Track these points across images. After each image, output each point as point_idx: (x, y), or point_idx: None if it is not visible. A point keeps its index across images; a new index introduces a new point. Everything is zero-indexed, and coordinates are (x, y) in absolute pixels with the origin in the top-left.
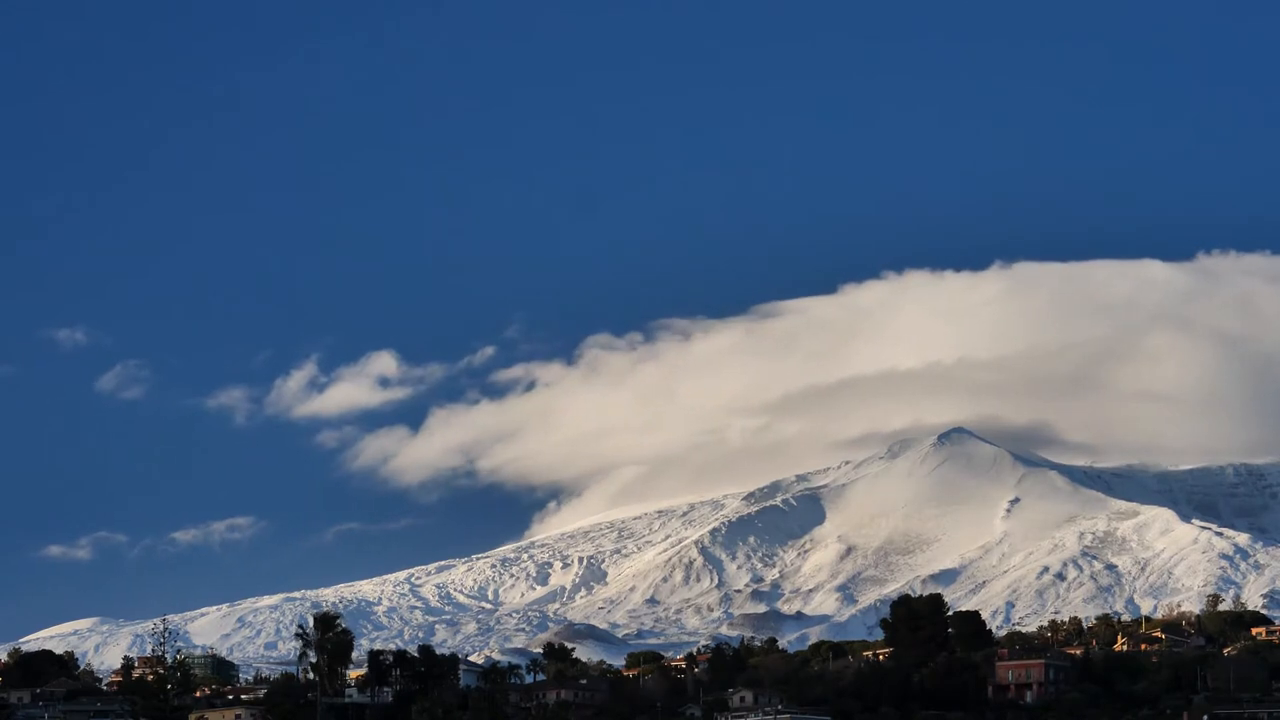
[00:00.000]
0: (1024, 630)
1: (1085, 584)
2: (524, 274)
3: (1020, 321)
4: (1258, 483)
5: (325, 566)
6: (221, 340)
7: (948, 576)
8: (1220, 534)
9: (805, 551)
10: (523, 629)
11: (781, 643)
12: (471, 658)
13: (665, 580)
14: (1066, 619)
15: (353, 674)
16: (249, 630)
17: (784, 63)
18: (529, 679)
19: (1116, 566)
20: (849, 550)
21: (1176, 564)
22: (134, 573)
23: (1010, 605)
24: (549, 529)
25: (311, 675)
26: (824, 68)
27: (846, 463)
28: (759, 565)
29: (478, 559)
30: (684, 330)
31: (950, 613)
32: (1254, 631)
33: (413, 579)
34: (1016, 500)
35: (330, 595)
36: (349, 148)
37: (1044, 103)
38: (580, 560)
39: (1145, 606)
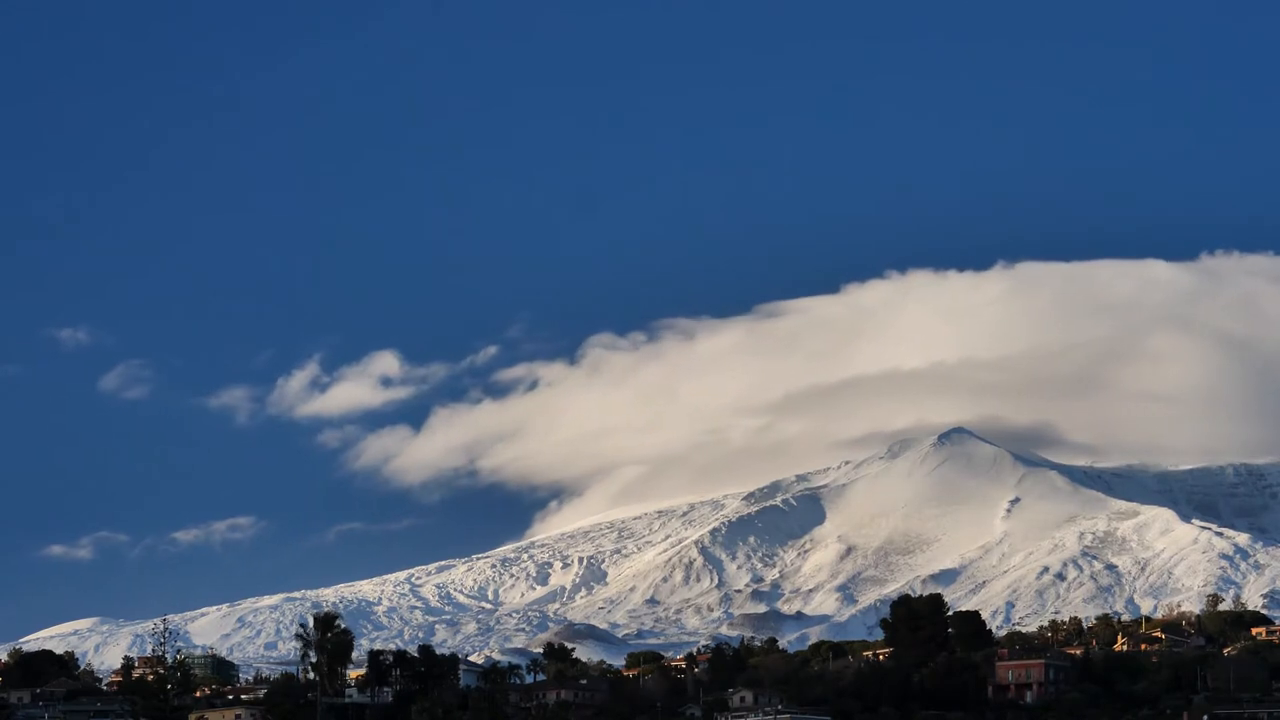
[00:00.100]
0: (1024, 630)
1: (1085, 584)
2: (527, 274)
3: (1023, 321)
4: (1258, 483)
5: (326, 566)
6: (224, 340)
7: (948, 576)
8: (1220, 534)
9: (805, 551)
10: (523, 629)
11: (781, 643)
12: (471, 658)
13: (665, 580)
14: (1066, 619)
15: (353, 674)
16: (249, 630)
17: (786, 62)
18: (529, 679)
19: (1116, 566)
20: (849, 550)
21: (1176, 564)
22: (135, 572)
23: (1010, 605)
24: (550, 529)
25: (311, 675)
26: (826, 67)
27: (846, 463)
28: (759, 565)
29: (478, 559)
30: (686, 330)
31: (950, 613)
32: (1254, 631)
33: (413, 579)
34: (1016, 500)
35: (330, 595)
36: (350, 148)
37: (1048, 102)
38: (580, 560)
39: (1145, 606)
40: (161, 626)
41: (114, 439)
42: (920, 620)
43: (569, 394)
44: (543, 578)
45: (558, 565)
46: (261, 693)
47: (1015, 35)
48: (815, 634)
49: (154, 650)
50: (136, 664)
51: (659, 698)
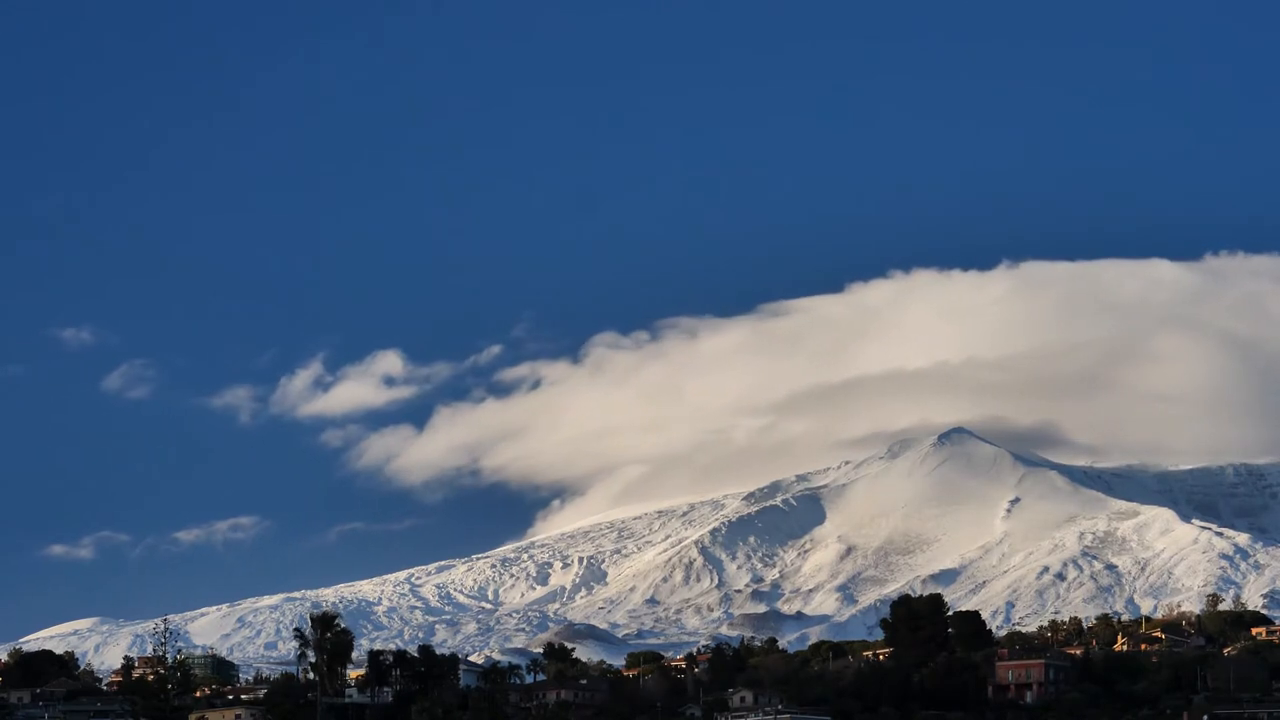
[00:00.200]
0: (1024, 630)
1: (1085, 584)
2: (530, 273)
3: (1027, 321)
4: (1258, 483)
5: (326, 566)
6: (227, 340)
7: (948, 576)
8: (1220, 534)
9: (805, 551)
10: (523, 629)
11: (781, 643)
12: (471, 658)
13: (665, 580)
14: (1066, 619)
15: (353, 674)
16: (249, 630)
17: (787, 62)
18: (529, 679)
19: (1116, 566)
20: (849, 550)
21: (1176, 564)
22: (135, 572)
23: (1010, 605)
24: (550, 529)
25: (311, 675)
26: (827, 67)
27: (847, 463)
28: (759, 565)
29: (478, 559)
30: (690, 329)
31: (950, 613)
32: (1254, 631)
33: (413, 579)
34: (1017, 500)
35: (330, 595)
36: (350, 148)
37: (1051, 101)
38: (580, 560)
39: (1145, 606)
40: (162, 626)
41: (116, 439)
42: (920, 620)
43: (572, 393)
44: (543, 578)
45: (558, 565)
46: (261, 693)
47: (1017, 35)
48: (815, 634)
49: (154, 650)
50: (136, 664)
51: (659, 698)
